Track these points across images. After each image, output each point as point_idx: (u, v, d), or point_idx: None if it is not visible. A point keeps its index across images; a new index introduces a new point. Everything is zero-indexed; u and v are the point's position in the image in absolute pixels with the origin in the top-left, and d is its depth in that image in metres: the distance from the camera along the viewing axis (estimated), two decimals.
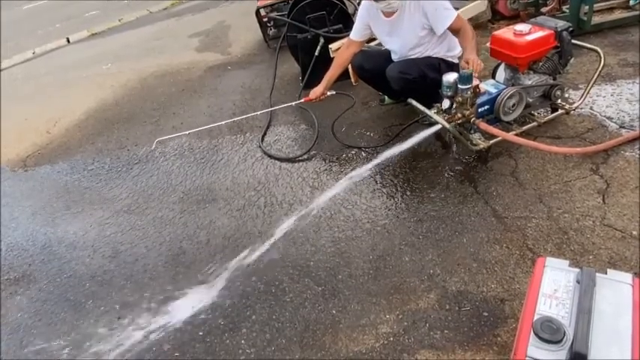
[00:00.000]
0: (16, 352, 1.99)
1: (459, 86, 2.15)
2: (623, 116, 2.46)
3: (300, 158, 2.84)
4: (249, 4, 4.91)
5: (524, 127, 2.45)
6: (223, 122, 3.09)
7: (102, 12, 8.29)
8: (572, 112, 2.50)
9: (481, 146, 2.32)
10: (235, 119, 3.18)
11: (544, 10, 3.51)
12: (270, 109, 3.23)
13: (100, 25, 7.36)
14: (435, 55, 2.55)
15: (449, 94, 2.21)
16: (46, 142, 3.85)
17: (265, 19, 4.48)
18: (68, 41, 7.03)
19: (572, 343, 1.07)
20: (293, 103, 2.89)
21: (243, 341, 1.80)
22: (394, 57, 2.70)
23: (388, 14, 2.50)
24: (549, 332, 1.10)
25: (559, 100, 2.47)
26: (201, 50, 5.19)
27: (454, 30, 2.38)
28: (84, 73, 5.34)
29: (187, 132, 3.10)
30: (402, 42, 2.56)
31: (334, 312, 1.84)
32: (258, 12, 4.49)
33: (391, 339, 1.68)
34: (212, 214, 2.54)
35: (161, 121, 3.74)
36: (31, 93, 5.15)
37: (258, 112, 3.08)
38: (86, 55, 6.04)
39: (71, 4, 9.09)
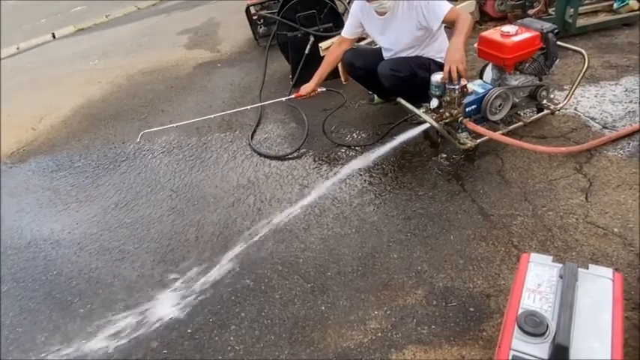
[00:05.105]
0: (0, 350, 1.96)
1: (447, 86, 2.18)
2: (606, 117, 2.52)
3: (289, 156, 2.85)
4: (239, 2, 4.89)
5: (511, 127, 2.49)
6: (212, 116, 3.07)
7: (88, 8, 8.18)
8: (557, 112, 2.55)
9: (468, 145, 2.35)
10: (223, 113, 3.16)
11: (531, 12, 3.57)
12: (260, 103, 3.22)
13: (87, 21, 7.27)
14: (425, 55, 2.58)
15: (437, 93, 2.24)
16: (31, 138, 3.79)
17: (255, 17, 4.47)
18: (54, 37, 6.93)
19: (554, 336, 1.10)
20: (284, 99, 2.89)
21: (232, 338, 1.81)
22: (386, 55, 2.72)
23: (381, 13, 2.52)
24: (533, 325, 1.13)
25: (544, 101, 2.51)
26: (191, 47, 5.16)
27: (449, 22, 2.33)
28: (70, 69, 5.27)
29: (175, 124, 3.07)
30: (395, 40, 2.59)
31: (323, 308, 1.85)
32: (248, 10, 4.47)
33: (379, 334, 1.70)
34: (201, 212, 2.53)
35: (149, 118, 3.71)
36: (15, 88, 5.06)
37: (249, 107, 3.07)
38: (72, 51, 5.96)
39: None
